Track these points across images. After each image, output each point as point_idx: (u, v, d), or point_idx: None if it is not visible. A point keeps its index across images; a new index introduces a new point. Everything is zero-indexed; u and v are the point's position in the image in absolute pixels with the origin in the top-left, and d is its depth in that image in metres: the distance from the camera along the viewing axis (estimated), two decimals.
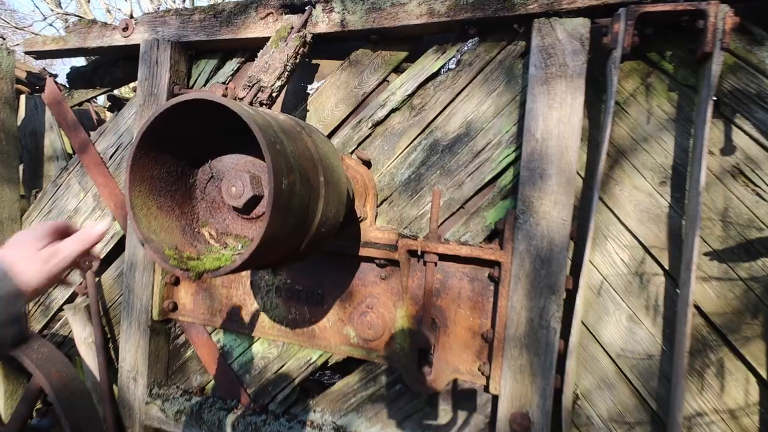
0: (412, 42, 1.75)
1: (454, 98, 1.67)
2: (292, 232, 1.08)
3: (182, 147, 1.18)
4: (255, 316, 1.95)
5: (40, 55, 2.39)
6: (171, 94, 2.01)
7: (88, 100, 2.76)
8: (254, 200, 1.17)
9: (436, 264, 1.64)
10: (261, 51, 1.65)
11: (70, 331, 2.33)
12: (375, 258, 1.72)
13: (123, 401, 2.08)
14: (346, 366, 1.99)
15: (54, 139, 2.58)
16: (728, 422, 1.42)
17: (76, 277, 2.32)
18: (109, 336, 2.27)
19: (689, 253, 1.36)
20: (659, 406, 1.48)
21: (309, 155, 1.11)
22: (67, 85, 2.63)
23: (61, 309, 2.40)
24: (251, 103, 1.53)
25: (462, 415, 1.70)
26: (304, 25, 1.73)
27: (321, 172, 1.15)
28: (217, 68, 2.08)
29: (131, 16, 2.29)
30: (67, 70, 2.66)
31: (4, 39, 2.51)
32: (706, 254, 1.42)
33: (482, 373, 1.62)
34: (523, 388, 1.51)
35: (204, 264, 1.04)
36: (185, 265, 1.05)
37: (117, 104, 3.14)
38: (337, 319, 1.82)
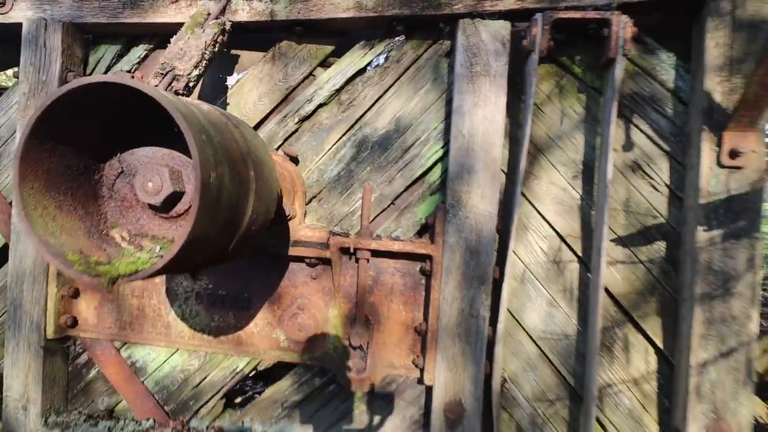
0: (339, 36, 1.72)
1: (382, 94, 1.67)
2: (221, 231, 0.99)
3: (85, 138, 1.04)
4: (172, 327, 1.79)
5: None
6: (64, 82, 1.77)
7: None
8: (174, 197, 1.06)
9: (368, 261, 1.63)
10: (174, 37, 1.51)
11: None
12: (305, 257, 1.66)
13: None
14: (271, 373, 1.91)
15: None
16: (633, 390, 1.59)
17: None
18: None
19: (599, 240, 1.49)
20: (576, 382, 1.60)
21: (237, 147, 1.04)
22: None
23: None
24: None
25: (397, 409, 1.71)
26: (223, 11, 1.62)
27: (251, 166, 1.07)
28: (120, 55, 1.87)
29: None
30: None
31: None
32: (612, 240, 1.57)
33: (416, 366, 1.64)
34: (456, 377, 1.55)
35: (117, 269, 0.92)
36: (94, 271, 0.92)
37: None
38: (266, 323, 1.73)
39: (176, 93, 1.41)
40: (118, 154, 1.13)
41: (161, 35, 1.82)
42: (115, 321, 1.82)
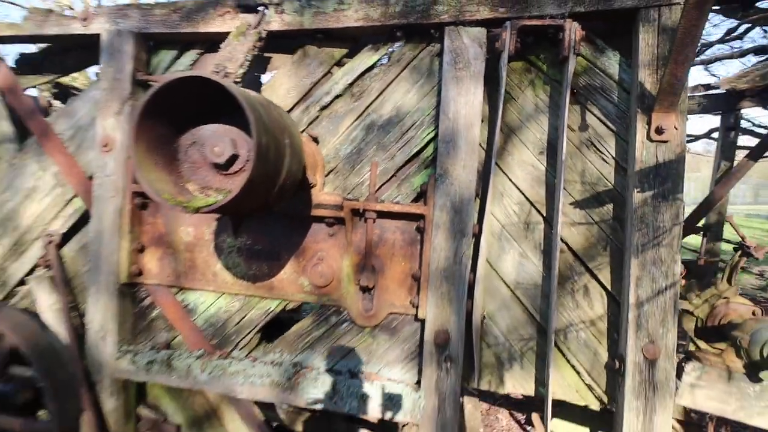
0: (352, 42, 2.13)
1: (386, 87, 2.08)
2: (266, 181, 1.42)
3: (170, 117, 1.48)
4: (218, 275, 2.23)
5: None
6: (134, 80, 2.23)
7: (35, 86, 2.84)
8: (233, 158, 1.50)
9: (374, 220, 2.04)
10: (223, 43, 1.95)
11: (30, 303, 2.45)
12: (325, 218, 2.08)
13: (91, 358, 2.27)
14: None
15: (3, 126, 2.65)
16: (590, 328, 1.95)
17: (35, 251, 2.45)
18: (72, 304, 2.42)
19: (557, 204, 1.86)
20: (542, 319, 1.98)
21: (277, 123, 1.46)
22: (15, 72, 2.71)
23: (19, 284, 2.50)
24: None
25: (397, 342, 2.11)
26: (259, 23, 2.05)
27: (286, 137, 1.49)
28: (176, 58, 2.33)
29: (87, 8, 2.46)
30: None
31: None
32: (571, 204, 1.94)
33: (413, 305, 2.04)
34: (443, 312, 1.94)
35: (197, 203, 1.36)
36: (181, 204, 1.35)
37: (63, 91, 3.23)
38: (293, 271, 2.16)
39: None
40: (191, 129, 1.57)
41: (209, 42, 2.26)
42: (172, 271, 2.27)
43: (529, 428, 4.87)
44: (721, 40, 6.17)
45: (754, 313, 2.01)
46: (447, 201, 1.93)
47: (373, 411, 2.02)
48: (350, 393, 2.04)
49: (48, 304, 2.32)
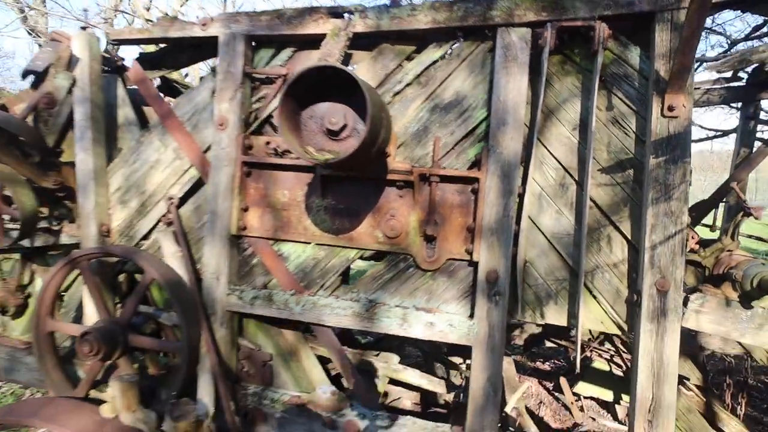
0: (419, 40, 2.64)
1: (447, 76, 2.58)
2: (371, 143, 1.94)
3: (297, 95, 2.02)
4: (308, 229, 2.78)
5: (122, 42, 3.11)
6: (243, 73, 2.80)
7: (151, 79, 3.47)
8: (343, 127, 2.03)
9: (437, 184, 2.54)
10: (323, 42, 2.49)
11: (153, 252, 3.05)
12: (396, 181, 2.59)
13: (207, 295, 2.84)
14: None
15: (127, 111, 3.28)
16: (613, 269, 2.41)
17: (158, 211, 3.05)
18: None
19: (586, 167, 2.33)
20: (574, 263, 2.45)
21: (379, 102, 1.99)
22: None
23: (144, 238, 3.11)
24: None
25: (453, 283, 2.61)
26: (347, 26, 2.58)
27: (384, 113, 2.02)
28: (273, 55, 2.89)
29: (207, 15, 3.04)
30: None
31: (86, 27, 3.12)
32: (599, 169, 2.40)
33: (467, 252, 2.54)
34: (494, 255, 2.44)
35: (325, 157, 1.89)
36: (314, 158, 1.89)
37: (166, 84, 3.86)
38: (369, 226, 2.69)
39: None
40: (310, 106, 2.11)
41: (302, 42, 2.81)
42: (271, 226, 2.83)
43: (557, 394, 5.31)
44: (747, 38, 6.45)
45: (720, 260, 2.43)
46: (498, 167, 2.42)
47: (437, 335, 2.53)
48: (418, 321, 2.56)
49: (171, 252, 2.92)
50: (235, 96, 2.79)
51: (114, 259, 3.09)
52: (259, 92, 2.90)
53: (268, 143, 2.81)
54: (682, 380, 3.77)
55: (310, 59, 2.81)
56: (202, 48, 3.15)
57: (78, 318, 3.25)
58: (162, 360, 3.09)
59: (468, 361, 4.17)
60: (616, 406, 4.61)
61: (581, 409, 4.72)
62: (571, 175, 2.46)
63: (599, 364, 4.62)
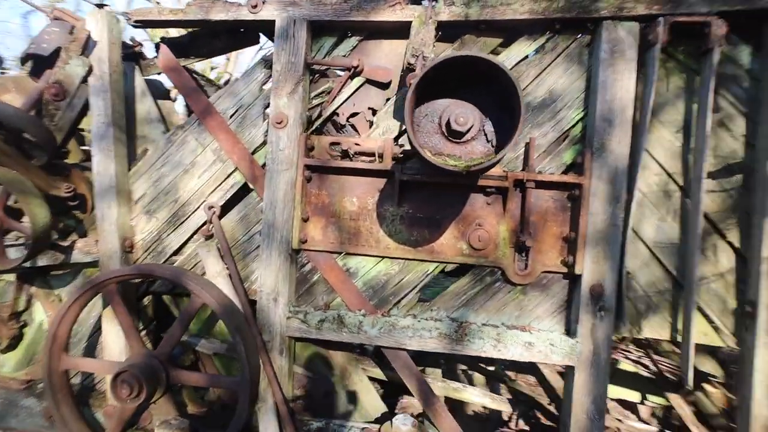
0: (506, 32, 2.41)
1: (540, 72, 2.36)
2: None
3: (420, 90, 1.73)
4: (381, 241, 2.47)
5: (148, 24, 2.65)
6: (306, 64, 2.45)
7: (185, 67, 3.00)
8: (471, 129, 1.75)
9: (532, 190, 2.32)
10: (413, 32, 2.20)
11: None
12: (484, 187, 2.34)
13: (262, 319, 2.46)
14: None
15: (149, 105, 2.81)
16: (719, 280, 2.29)
17: (193, 222, 2.62)
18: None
19: (699, 172, 2.19)
20: (678, 274, 2.31)
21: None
22: (157, 54, 2.87)
23: (175, 253, 2.67)
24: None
25: (547, 297, 2.40)
26: (435, 13, 2.30)
27: None
28: (336, 44, 2.55)
29: None
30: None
31: (104, 5, 2.62)
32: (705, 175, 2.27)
33: (564, 264, 2.33)
34: (599, 268, 2.25)
35: (464, 164, 1.61)
36: (450, 165, 1.60)
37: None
38: (452, 236, 2.42)
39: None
40: (425, 103, 1.82)
41: (371, 30, 2.49)
42: (336, 238, 2.50)
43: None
44: None
45: None
46: (604, 172, 2.23)
47: (536, 356, 2.31)
48: (514, 342, 2.32)
49: (217, 270, 2.50)
50: (296, 90, 2.43)
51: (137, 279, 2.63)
52: (318, 86, 2.56)
53: (333, 144, 2.47)
54: (707, 378, 3.78)
55: (380, 49, 2.51)
56: (241, 34, 2.75)
57: (89, 350, 2.75)
58: (202, 396, 2.66)
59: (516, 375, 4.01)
60: (640, 406, 4.61)
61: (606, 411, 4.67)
62: (674, 181, 2.31)
63: (625, 365, 4.60)
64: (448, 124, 1.82)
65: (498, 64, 1.59)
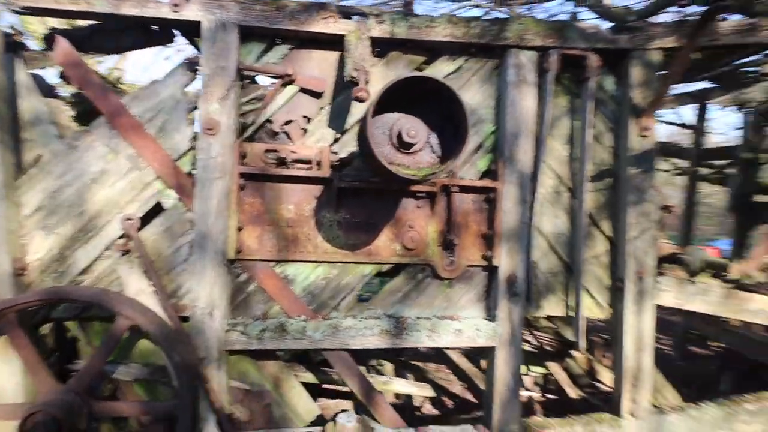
0: (429, 52, 2.65)
1: (459, 89, 2.65)
2: None
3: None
4: (319, 246, 2.53)
5: (37, 12, 2.32)
6: (237, 68, 2.38)
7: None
8: (419, 141, 1.94)
9: (456, 194, 2.60)
10: (351, 46, 2.30)
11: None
12: (416, 192, 2.56)
13: (198, 336, 2.33)
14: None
15: (35, 104, 2.43)
16: (596, 262, 2.84)
17: (105, 237, 2.36)
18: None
19: (583, 177, 2.70)
20: (569, 260, 2.80)
21: None
22: (44, 47, 2.50)
23: (82, 273, 2.36)
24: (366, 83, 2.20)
25: (470, 288, 2.71)
26: (367, 30, 2.44)
27: None
28: (265, 51, 2.52)
29: None
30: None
31: None
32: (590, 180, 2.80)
33: (484, 258, 2.67)
34: (512, 260, 2.62)
35: (423, 173, 1.78)
36: (412, 175, 1.76)
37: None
38: (387, 239, 2.59)
39: (366, 82, 2.22)
40: (375, 116, 1.94)
41: (301, 39, 2.53)
42: (273, 246, 2.48)
43: None
44: None
45: (672, 249, 3.15)
46: (513, 177, 2.61)
47: (465, 341, 2.60)
48: (446, 330, 2.57)
49: (140, 288, 2.29)
50: (228, 95, 2.35)
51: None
52: (248, 92, 2.50)
53: (268, 151, 2.45)
54: (574, 345, 4.57)
55: (311, 58, 2.56)
56: (154, 32, 2.55)
57: None
58: (120, 429, 2.40)
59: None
60: (524, 377, 5.35)
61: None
62: (564, 184, 2.80)
63: None
64: (399, 136, 1.98)
65: (450, 88, 1.81)
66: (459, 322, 2.61)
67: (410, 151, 2.00)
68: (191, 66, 2.44)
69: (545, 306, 2.81)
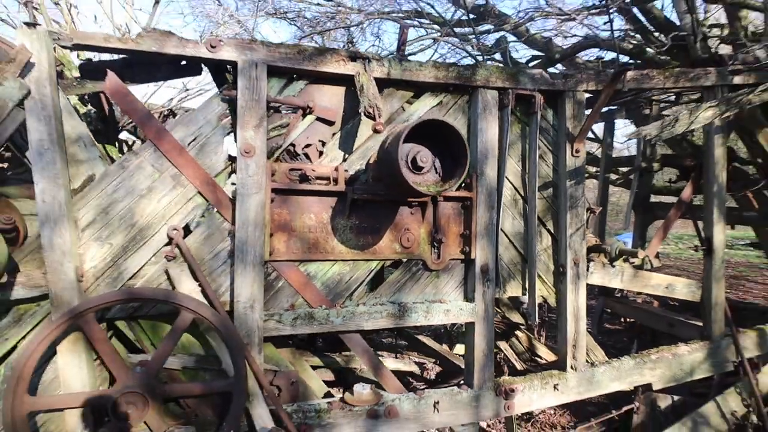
0: (417, 89, 3.30)
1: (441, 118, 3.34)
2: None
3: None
4: (336, 248, 3.07)
5: (89, 48, 2.64)
6: (267, 102, 2.86)
7: (101, 92, 2.92)
8: (427, 164, 2.58)
9: (441, 202, 3.28)
10: (365, 86, 2.88)
11: None
12: (411, 202, 3.20)
13: (241, 326, 2.76)
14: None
15: (78, 126, 2.73)
16: (545, 252, 3.66)
17: (152, 246, 2.72)
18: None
19: (533, 187, 3.50)
20: (524, 252, 3.59)
21: None
22: (79, 75, 2.80)
23: (131, 278, 2.69)
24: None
25: (452, 276, 3.40)
26: (372, 70, 3.03)
27: None
28: (285, 86, 3.02)
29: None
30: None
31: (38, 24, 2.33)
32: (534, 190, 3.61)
33: (462, 253, 3.37)
34: (485, 253, 3.35)
35: (437, 189, 2.42)
36: (428, 190, 2.40)
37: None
38: (389, 240, 3.20)
39: (380, 116, 2.81)
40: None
41: (315, 76, 3.06)
42: (298, 248, 2.98)
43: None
44: None
45: (596, 241, 4.09)
46: (484, 189, 3.35)
47: (451, 318, 3.27)
48: (437, 311, 3.24)
49: (190, 288, 2.69)
50: (261, 124, 2.83)
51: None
52: (272, 120, 2.99)
53: (292, 170, 2.95)
54: (518, 326, 5.48)
55: (323, 92, 3.10)
56: (184, 66, 2.96)
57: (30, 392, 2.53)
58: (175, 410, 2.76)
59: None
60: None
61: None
62: (519, 193, 3.59)
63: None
64: (414, 160, 2.60)
65: (455, 128, 2.48)
66: (446, 305, 3.28)
67: (420, 172, 2.63)
68: (223, 98, 2.87)
69: (508, 289, 3.58)
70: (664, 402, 4.34)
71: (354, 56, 3.05)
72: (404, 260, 3.27)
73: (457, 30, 7.80)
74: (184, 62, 2.96)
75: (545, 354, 5.36)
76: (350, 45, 10.66)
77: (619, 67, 2.94)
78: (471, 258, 3.35)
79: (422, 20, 9.86)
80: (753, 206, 4.77)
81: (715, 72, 3.84)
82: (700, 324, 4.29)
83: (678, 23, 5.01)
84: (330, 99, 3.12)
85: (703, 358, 3.98)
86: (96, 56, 3.68)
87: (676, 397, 4.35)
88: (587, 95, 3.67)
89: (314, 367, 3.64)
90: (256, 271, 2.81)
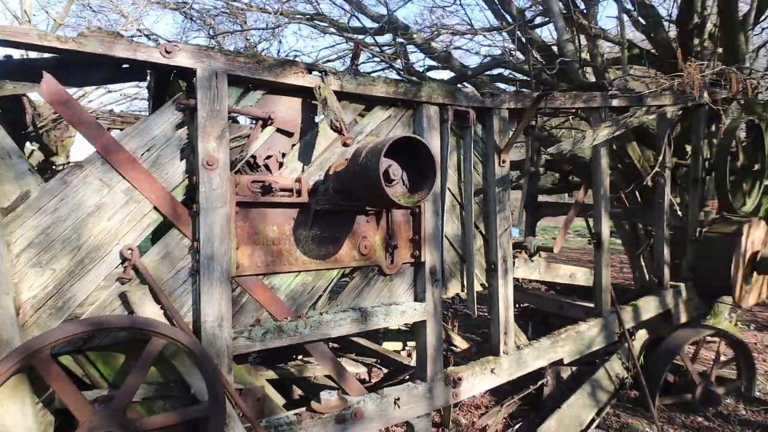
0: (368, 102, 3.45)
1: (390, 131, 3.54)
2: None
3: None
4: (299, 258, 3.08)
5: (19, 46, 2.30)
6: (228, 111, 2.76)
7: (23, 95, 2.52)
8: (397, 178, 2.76)
9: (394, 210, 3.48)
10: (329, 100, 2.94)
11: None
12: (368, 210, 3.34)
13: (210, 346, 2.63)
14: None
15: (3, 137, 2.36)
16: (479, 252, 4.08)
17: (103, 268, 2.47)
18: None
19: (468, 194, 3.89)
20: (462, 252, 3.96)
21: None
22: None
23: (80, 305, 2.40)
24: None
25: (403, 279, 3.62)
26: (327, 84, 3.11)
27: None
28: (242, 95, 2.95)
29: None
30: None
31: None
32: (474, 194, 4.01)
33: (413, 257, 3.61)
34: (433, 256, 3.64)
35: (413, 200, 2.61)
36: (403, 201, 2.58)
37: None
38: (348, 248, 3.30)
39: (346, 129, 2.89)
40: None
41: (272, 87, 3.03)
42: (262, 261, 2.94)
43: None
44: None
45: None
46: (430, 197, 3.63)
47: (407, 319, 3.50)
48: (395, 313, 3.43)
49: (153, 312, 2.49)
50: (223, 135, 2.73)
51: None
52: (233, 131, 2.89)
53: (254, 182, 2.90)
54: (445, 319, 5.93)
55: (281, 103, 3.09)
56: (126, 69, 2.73)
57: None
58: None
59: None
60: (402, 352, 6.51)
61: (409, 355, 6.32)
62: (457, 200, 3.96)
63: (391, 327, 6.38)
64: (386, 173, 2.75)
65: (426, 145, 2.69)
66: (401, 306, 3.49)
67: (391, 184, 2.79)
68: (178, 106, 2.71)
69: (450, 287, 3.92)
70: (566, 373, 5.12)
71: (311, 69, 3.10)
72: (362, 267, 3.40)
73: (359, 37, 8.10)
74: (126, 65, 2.71)
75: (459, 343, 5.89)
76: (252, 48, 10.31)
77: (535, 89, 3.46)
78: (421, 261, 3.60)
79: (321, 22, 9.98)
80: (625, 204, 5.85)
81: (600, 95, 4.66)
82: (585, 305, 5.13)
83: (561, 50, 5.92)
84: (288, 110, 3.11)
85: (597, 332, 4.78)
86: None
87: (574, 368, 5.15)
88: (508, 115, 4.18)
89: (270, 381, 3.57)
90: (223, 288, 2.70)
